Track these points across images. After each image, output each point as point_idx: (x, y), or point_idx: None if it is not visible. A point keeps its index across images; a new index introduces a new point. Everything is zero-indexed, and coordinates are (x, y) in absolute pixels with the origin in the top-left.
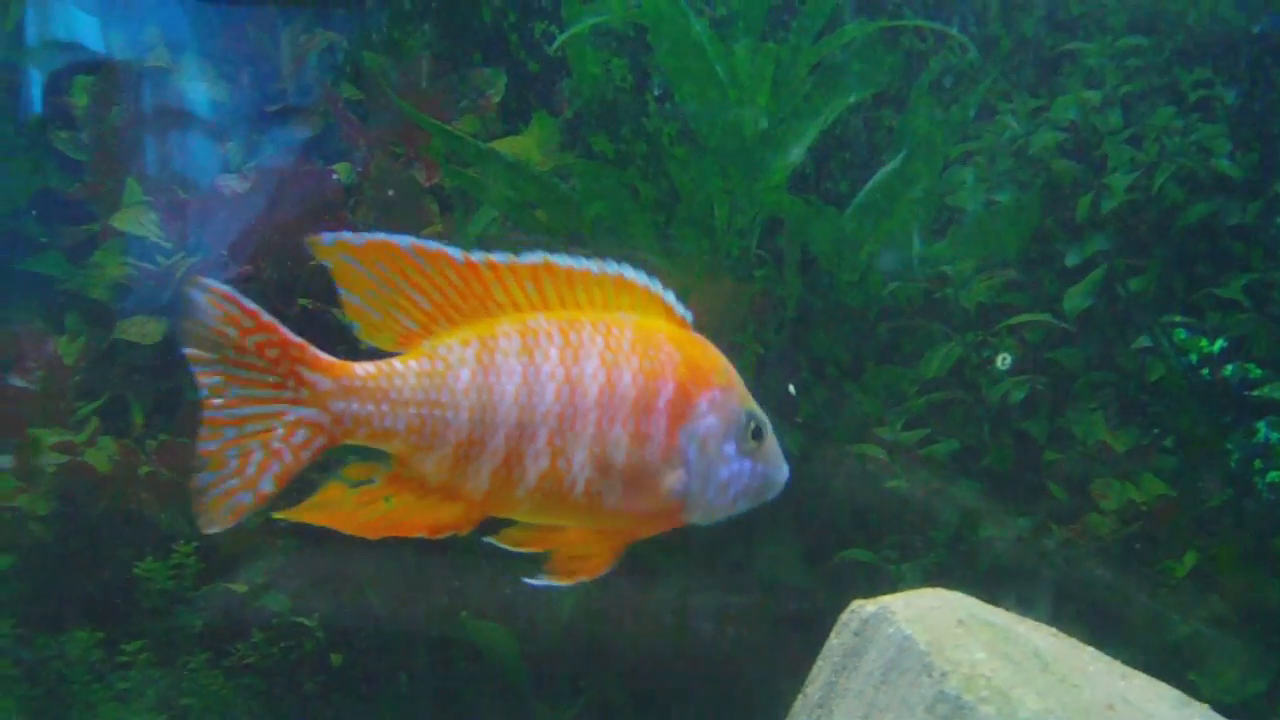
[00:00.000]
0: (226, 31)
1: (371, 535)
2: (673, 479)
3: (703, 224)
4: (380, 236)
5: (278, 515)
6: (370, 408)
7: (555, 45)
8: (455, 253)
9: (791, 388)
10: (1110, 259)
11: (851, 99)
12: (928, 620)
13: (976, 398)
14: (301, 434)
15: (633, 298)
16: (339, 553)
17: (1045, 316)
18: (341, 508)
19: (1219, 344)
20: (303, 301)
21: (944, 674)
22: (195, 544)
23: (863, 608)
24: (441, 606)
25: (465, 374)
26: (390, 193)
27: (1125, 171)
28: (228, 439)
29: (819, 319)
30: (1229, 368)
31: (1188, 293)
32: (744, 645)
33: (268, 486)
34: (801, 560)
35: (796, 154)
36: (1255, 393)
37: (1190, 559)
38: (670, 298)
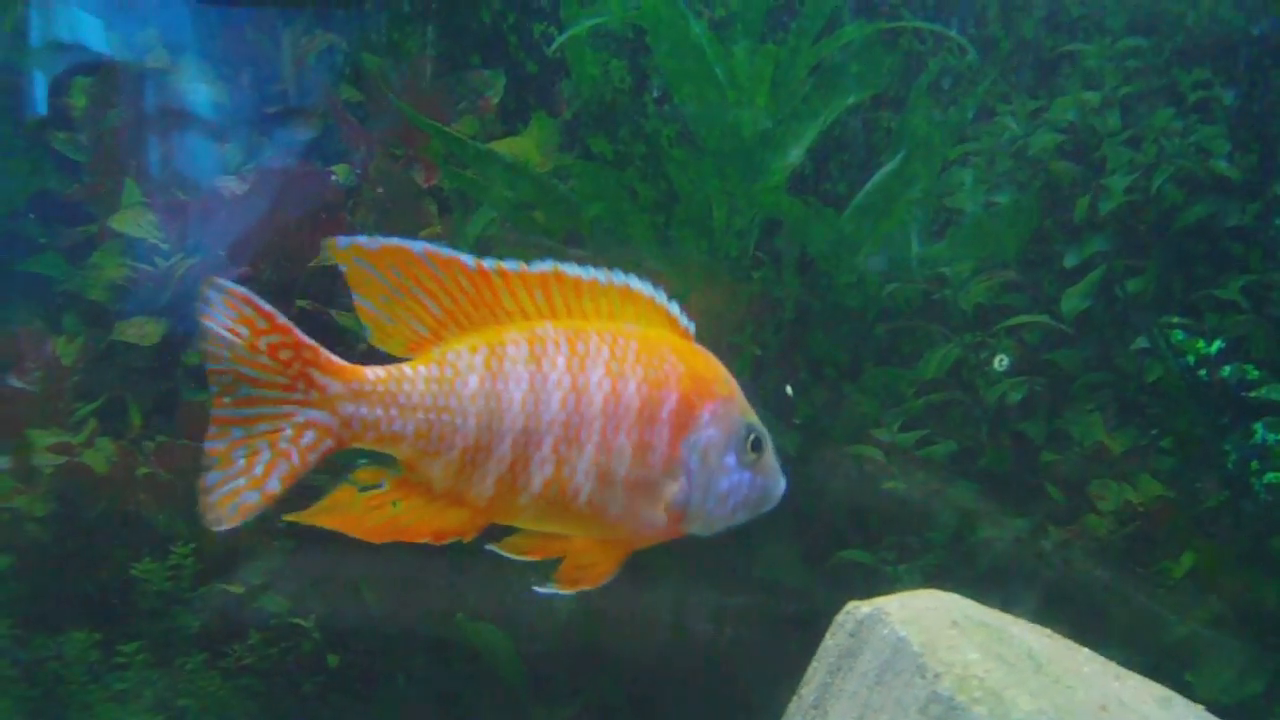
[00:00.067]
0: (226, 33)
1: (377, 540)
2: (674, 489)
3: (701, 225)
4: (394, 241)
5: (288, 518)
6: (379, 412)
7: (554, 46)
8: (468, 259)
9: (789, 389)
10: (1109, 260)
11: (850, 100)
12: (922, 621)
13: (974, 399)
14: (310, 436)
15: (637, 308)
16: (336, 554)
17: (1043, 318)
18: (350, 511)
19: (1217, 345)
20: (301, 303)
21: (937, 675)
22: (193, 545)
23: (858, 609)
24: (439, 608)
25: (473, 381)
26: (381, 191)
27: (1124, 173)
28: (235, 438)
29: (817, 320)
30: (1227, 369)
31: (1186, 294)
32: (741, 646)
33: (274, 486)
34: (799, 561)
35: (795, 155)
36: (1253, 394)
37: (1188, 560)
38: (674, 309)
